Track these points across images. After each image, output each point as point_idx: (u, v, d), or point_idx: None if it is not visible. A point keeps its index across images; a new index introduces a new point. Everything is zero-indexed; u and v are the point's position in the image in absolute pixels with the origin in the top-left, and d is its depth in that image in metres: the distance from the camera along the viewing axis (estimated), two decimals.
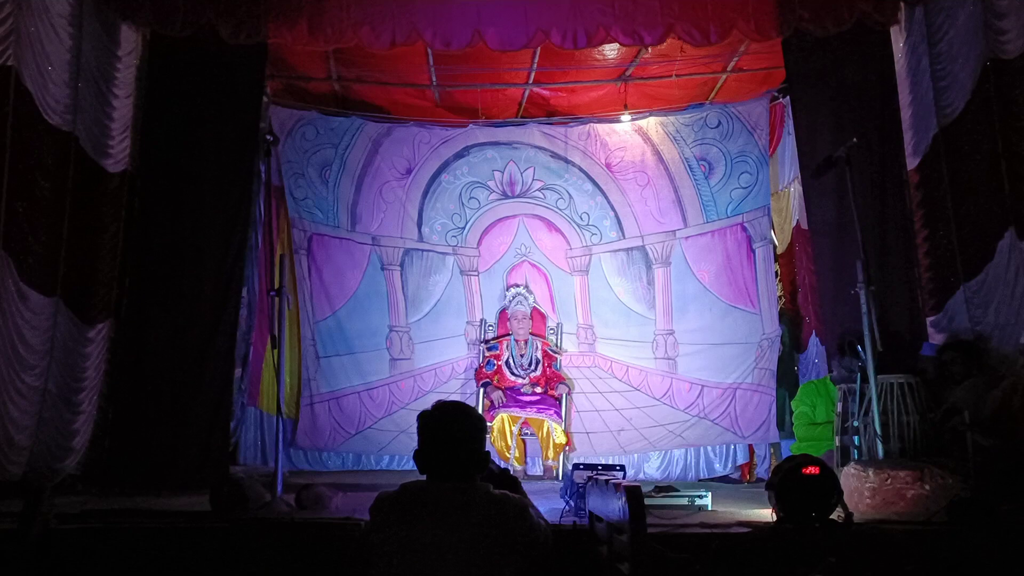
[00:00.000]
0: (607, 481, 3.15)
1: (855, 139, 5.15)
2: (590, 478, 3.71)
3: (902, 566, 3.22)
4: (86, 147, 5.66)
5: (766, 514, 3.99)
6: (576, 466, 4.32)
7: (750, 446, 7.28)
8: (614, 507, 2.94)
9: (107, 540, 3.78)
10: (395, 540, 2.41)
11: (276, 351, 4.69)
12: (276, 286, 4.74)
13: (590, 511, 3.59)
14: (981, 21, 5.20)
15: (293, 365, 7.47)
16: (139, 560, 3.68)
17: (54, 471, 5.38)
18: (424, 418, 2.62)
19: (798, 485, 3.73)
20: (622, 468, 4.31)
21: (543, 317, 7.53)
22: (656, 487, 4.72)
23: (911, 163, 5.94)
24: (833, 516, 3.72)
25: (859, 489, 4.15)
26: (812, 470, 3.74)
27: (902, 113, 6.01)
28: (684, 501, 4.39)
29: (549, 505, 4.29)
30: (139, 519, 4.04)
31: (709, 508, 4.38)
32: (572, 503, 4.04)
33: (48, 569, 3.65)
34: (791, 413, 6.46)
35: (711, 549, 3.38)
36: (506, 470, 3.57)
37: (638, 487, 2.71)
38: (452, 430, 2.57)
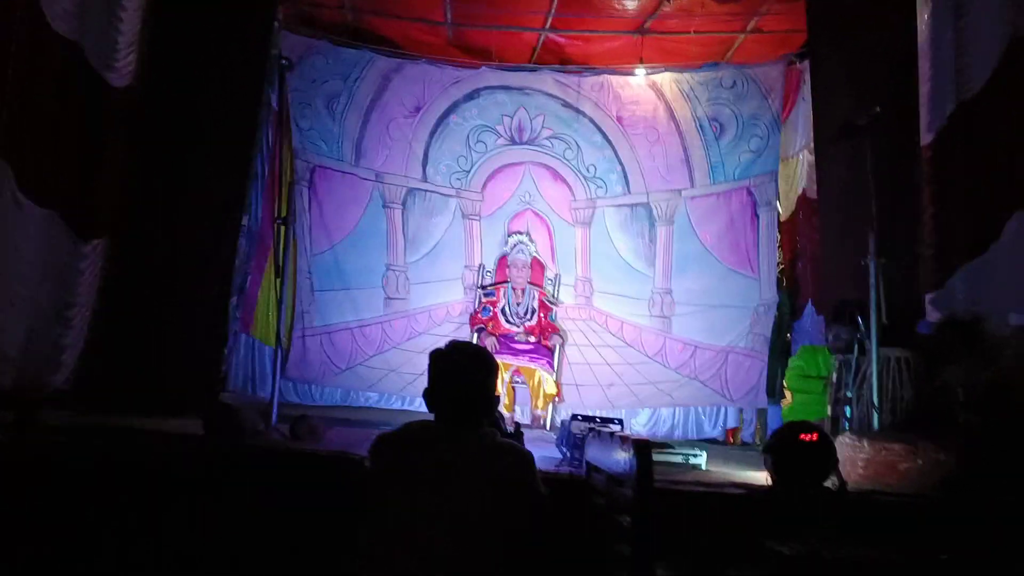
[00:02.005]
0: (611, 434, 3.14)
1: (879, 109, 5.06)
2: (591, 429, 3.71)
3: (894, 537, 3.25)
4: (91, 59, 5.49)
5: (759, 477, 4.01)
6: (574, 416, 4.33)
7: (740, 411, 7.34)
8: (617, 459, 2.94)
9: (99, 457, 3.76)
10: (395, 482, 2.38)
11: (279, 280, 4.64)
12: (283, 214, 4.67)
13: (587, 462, 3.60)
14: None
15: (288, 297, 7.42)
16: (133, 479, 3.67)
17: (43, 384, 5.33)
18: (436, 356, 2.56)
19: (796, 451, 3.73)
20: (620, 422, 4.32)
21: (542, 267, 7.50)
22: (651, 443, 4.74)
23: (925, 138, 5.86)
24: (827, 484, 3.74)
25: (852, 459, 4.18)
26: (811, 436, 3.74)
27: (921, 87, 5.92)
28: (679, 459, 4.42)
29: (541, 453, 4.30)
30: (133, 438, 4.02)
31: (703, 467, 4.41)
32: (568, 453, 4.06)
33: (38, 481, 3.63)
34: (782, 378, 6.49)
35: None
36: (517, 425, 3.57)
37: (647, 441, 2.71)
38: (464, 370, 2.52)
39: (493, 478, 2.36)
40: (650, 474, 2.59)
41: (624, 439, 2.83)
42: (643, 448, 2.66)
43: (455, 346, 2.59)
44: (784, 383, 6.40)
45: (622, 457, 2.85)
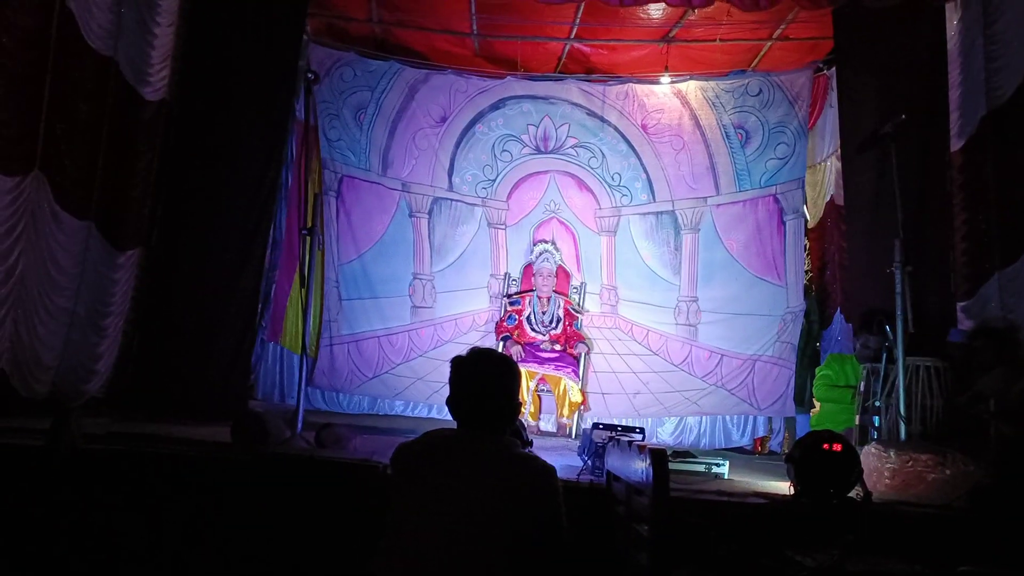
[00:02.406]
0: (630, 443, 3.15)
1: (903, 116, 5.03)
2: (611, 438, 3.72)
3: (920, 548, 3.21)
4: (126, 73, 5.64)
5: (783, 487, 4.00)
6: (596, 425, 4.33)
7: (769, 420, 7.29)
8: (636, 468, 2.95)
9: (132, 463, 3.85)
10: (411, 489, 2.38)
11: (304, 290, 4.71)
12: (309, 225, 4.74)
13: (608, 470, 3.61)
14: None
15: (316, 306, 7.52)
16: (162, 485, 3.74)
17: (78, 392, 5.47)
18: (458, 363, 2.56)
19: (819, 460, 3.72)
20: (641, 431, 4.31)
21: (567, 275, 7.51)
22: (673, 452, 4.74)
23: (955, 145, 5.82)
24: (852, 494, 3.72)
25: (879, 469, 4.14)
26: (834, 446, 3.73)
27: (950, 93, 5.87)
28: (701, 468, 4.40)
29: (563, 462, 4.32)
30: (163, 445, 4.10)
31: (726, 476, 4.39)
32: (590, 461, 4.06)
33: (73, 487, 3.72)
34: (810, 388, 6.45)
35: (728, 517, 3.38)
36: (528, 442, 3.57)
37: (664, 450, 2.70)
38: (484, 377, 2.51)
39: (507, 489, 2.33)
40: (666, 483, 2.59)
41: (641, 448, 2.84)
42: (660, 457, 2.66)
43: (476, 353, 2.59)
44: (812, 392, 6.36)
45: (640, 466, 2.85)
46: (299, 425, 4.70)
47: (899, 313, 4.67)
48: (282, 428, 4.58)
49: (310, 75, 4.92)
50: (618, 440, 3.52)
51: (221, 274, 5.88)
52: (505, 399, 2.52)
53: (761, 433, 7.35)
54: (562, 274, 7.44)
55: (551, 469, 2.43)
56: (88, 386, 5.57)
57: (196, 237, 5.88)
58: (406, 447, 2.52)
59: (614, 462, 3.49)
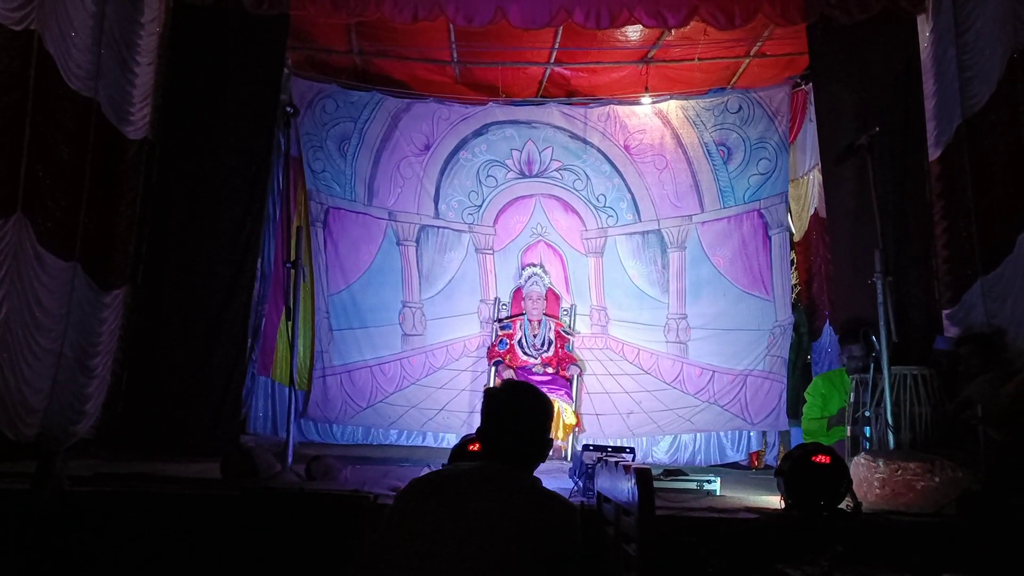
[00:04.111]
0: (616, 463, 3.15)
1: (878, 128, 5.08)
2: (600, 459, 3.72)
3: (910, 557, 3.21)
4: (107, 113, 5.68)
5: (774, 501, 4.00)
6: (586, 447, 4.33)
7: (764, 434, 7.29)
8: (623, 488, 2.95)
9: (119, 504, 3.82)
10: (413, 521, 2.20)
11: (290, 323, 4.71)
12: (292, 258, 4.76)
13: (598, 492, 3.60)
14: (1010, 11, 5.12)
15: (307, 337, 7.52)
16: (150, 525, 3.72)
17: (67, 434, 5.45)
18: (489, 394, 2.47)
19: (807, 473, 3.73)
20: (632, 450, 4.31)
21: (557, 298, 7.52)
22: (665, 471, 4.73)
23: (933, 154, 5.88)
24: (842, 505, 3.72)
25: (868, 479, 4.14)
26: (822, 458, 3.73)
27: (926, 103, 5.94)
28: (692, 485, 4.39)
29: (556, 484, 4.30)
30: (151, 484, 4.08)
31: (717, 493, 4.38)
32: (581, 483, 4.06)
33: (60, 530, 3.70)
34: (803, 401, 6.44)
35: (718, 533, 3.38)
36: None
37: (648, 469, 2.71)
38: (513, 410, 2.39)
39: (524, 527, 2.15)
40: (651, 502, 2.59)
41: (627, 468, 2.84)
42: (644, 476, 2.66)
43: (509, 384, 2.53)
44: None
45: (626, 486, 2.86)
46: (289, 458, 4.69)
47: (882, 323, 4.68)
48: (272, 462, 4.57)
49: (289, 109, 4.97)
50: (606, 461, 3.52)
51: (208, 310, 5.88)
52: (534, 434, 2.39)
53: (756, 448, 7.34)
54: (552, 297, 7.46)
55: (573, 509, 2.29)
56: (77, 427, 5.55)
57: (182, 274, 5.89)
58: (420, 478, 2.36)
59: (603, 483, 3.49)
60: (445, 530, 2.16)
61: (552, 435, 2.53)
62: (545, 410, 2.44)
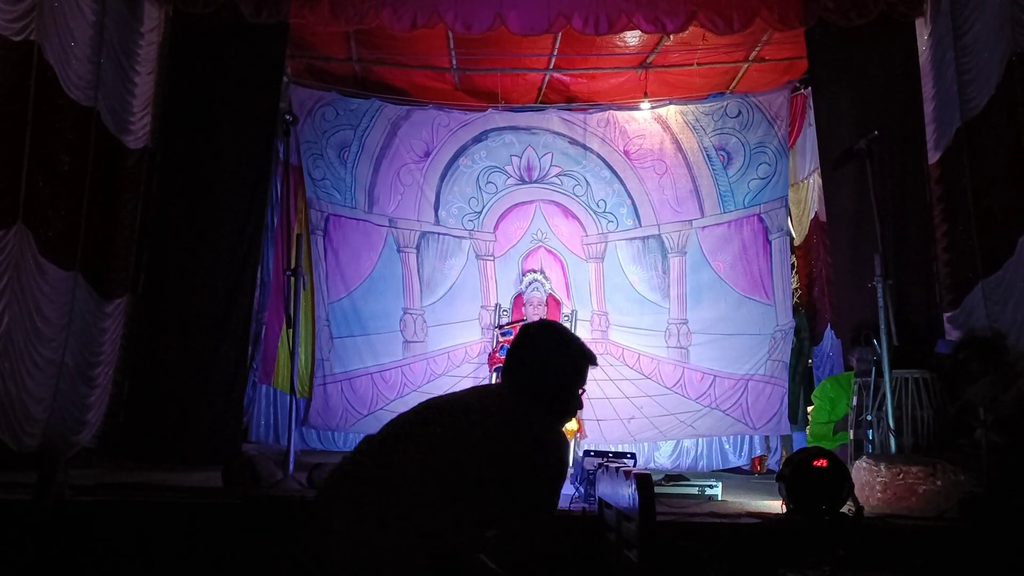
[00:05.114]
0: (617, 468, 3.15)
1: (876, 132, 5.09)
2: (601, 465, 3.71)
3: (912, 561, 3.20)
4: (107, 123, 5.69)
5: (776, 506, 3.99)
6: (587, 453, 4.33)
7: (766, 438, 7.27)
8: (624, 494, 2.94)
9: (120, 513, 3.82)
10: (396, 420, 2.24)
11: (291, 331, 4.71)
12: (292, 266, 4.76)
13: (600, 497, 3.59)
14: (1008, 14, 5.12)
15: (307, 345, 7.52)
16: (151, 534, 3.72)
17: (69, 444, 5.44)
18: (526, 327, 2.47)
19: (809, 477, 3.72)
20: (633, 456, 4.31)
21: (558, 304, 7.52)
22: (666, 476, 4.73)
23: (932, 157, 5.88)
24: (844, 510, 3.71)
25: (870, 483, 4.13)
26: (821, 462, 3.73)
27: (925, 106, 5.95)
28: (694, 491, 4.39)
29: None
30: (152, 493, 4.08)
31: (719, 498, 4.37)
32: (582, 489, 4.05)
33: (62, 540, 3.70)
34: (803, 405, 6.44)
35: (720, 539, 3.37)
36: None
37: (648, 474, 2.70)
38: (532, 343, 2.37)
39: (499, 448, 2.08)
40: (652, 507, 2.59)
41: (627, 473, 2.83)
42: (645, 481, 2.66)
43: (541, 322, 2.50)
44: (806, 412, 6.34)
45: (628, 492, 2.85)
46: (291, 466, 4.69)
47: (883, 327, 4.68)
48: (274, 470, 4.57)
49: (288, 117, 4.98)
50: (607, 467, 3.52)
51: (209, 318, 5.88)
52: (560, 370, 2.33)
53: (758, 452, 7.33)
54: (552, 302, 7.45)
55: (556, 456, 2.17)
56: (79, 437, 5.54)
57: (183, 282, 5.89)
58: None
59: (604, 489, 3.48)
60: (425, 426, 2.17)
61: (576, 382, 2.36)
62: (563, 346, 2.37)
